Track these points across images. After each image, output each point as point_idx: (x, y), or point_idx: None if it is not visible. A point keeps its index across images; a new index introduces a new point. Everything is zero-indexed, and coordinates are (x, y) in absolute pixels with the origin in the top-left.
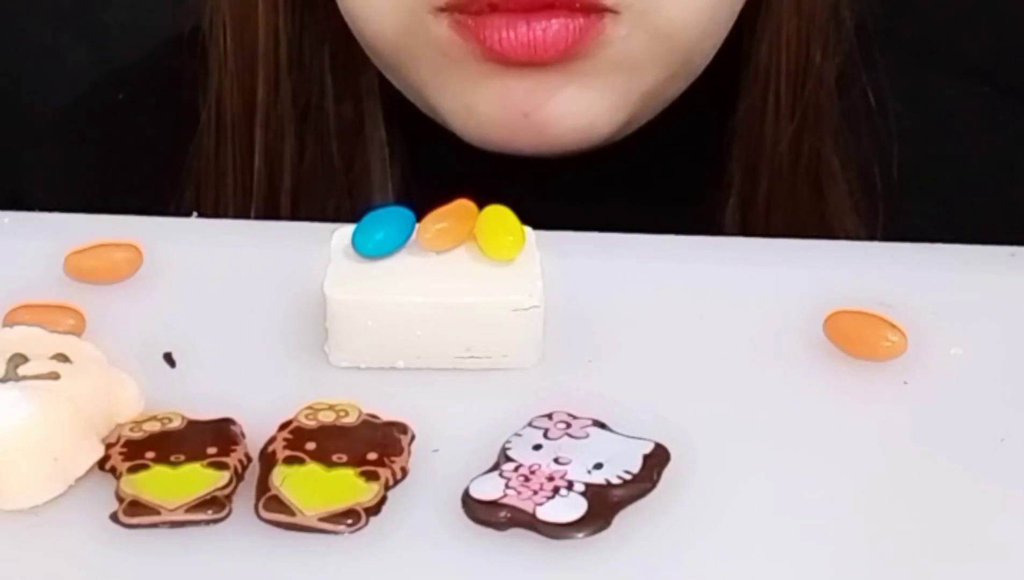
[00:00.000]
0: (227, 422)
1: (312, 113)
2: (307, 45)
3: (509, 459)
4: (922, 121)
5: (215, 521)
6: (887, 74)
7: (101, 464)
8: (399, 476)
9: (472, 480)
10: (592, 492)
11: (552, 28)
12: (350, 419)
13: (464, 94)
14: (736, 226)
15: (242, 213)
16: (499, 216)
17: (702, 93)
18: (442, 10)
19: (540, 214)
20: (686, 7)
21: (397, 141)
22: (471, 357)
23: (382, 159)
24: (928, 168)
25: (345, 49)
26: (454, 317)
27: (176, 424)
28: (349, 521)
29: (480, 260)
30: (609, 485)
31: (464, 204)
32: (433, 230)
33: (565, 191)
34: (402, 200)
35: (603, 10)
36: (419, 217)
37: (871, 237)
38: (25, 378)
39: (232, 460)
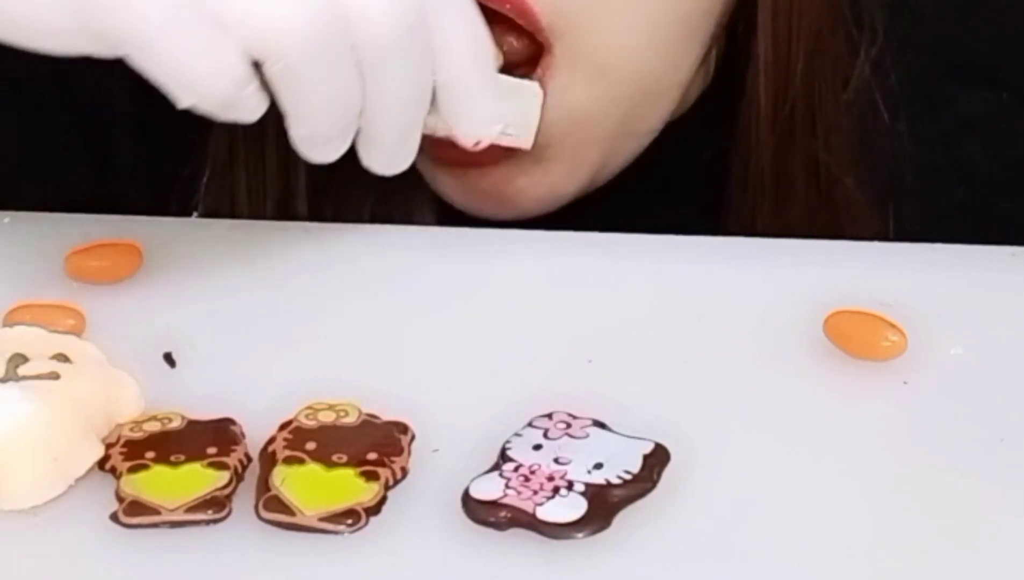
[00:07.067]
0: (227, 422)
1: None
2: None
3: (509, 459)
4: (937, 128)
5: (215, 521)
6: (901, 81)
7: (101, 464)
8: (399, 476)
9: (472, 480)
10: (592, 492)
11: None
12: (350, 419)
13: (431, 179)
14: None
15: (282, 199)
16: None
17: (708, 99)
18: None
19: (548, 215)
20: (618, 32)
21: None
22: None
23: None
24: (943, 174)
25: None
26: None
27: (176, 424)
28: (349, 521)
29: None
30: (609, 485)
31: None
32: None
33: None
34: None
35: (538, 45)
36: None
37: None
38: (25, 378)
39: (232, 460)
